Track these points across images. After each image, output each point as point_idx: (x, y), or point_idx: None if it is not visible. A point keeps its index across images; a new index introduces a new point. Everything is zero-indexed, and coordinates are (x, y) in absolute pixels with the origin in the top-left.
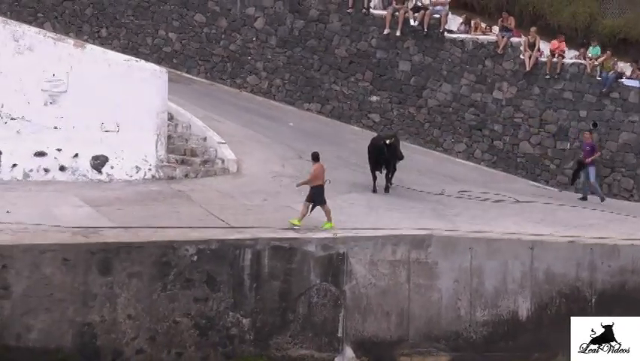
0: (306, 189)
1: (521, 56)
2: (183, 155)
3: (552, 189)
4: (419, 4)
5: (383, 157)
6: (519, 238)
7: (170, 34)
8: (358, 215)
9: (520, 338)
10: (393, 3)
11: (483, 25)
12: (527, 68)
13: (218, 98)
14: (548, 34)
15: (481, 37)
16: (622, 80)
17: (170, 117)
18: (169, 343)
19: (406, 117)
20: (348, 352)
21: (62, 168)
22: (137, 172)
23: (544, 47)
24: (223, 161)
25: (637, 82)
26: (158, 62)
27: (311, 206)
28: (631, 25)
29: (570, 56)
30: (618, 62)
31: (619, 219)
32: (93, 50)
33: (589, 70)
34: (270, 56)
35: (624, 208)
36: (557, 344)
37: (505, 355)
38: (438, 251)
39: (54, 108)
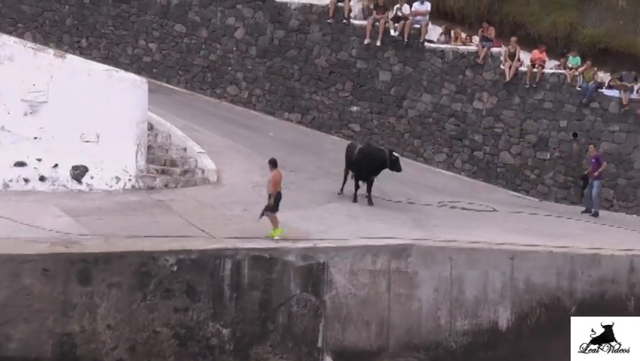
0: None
1: (501, 66)
2: (163, 165)
3: (532, 199)
4: (399, 14)
5: (374, 169)
6: (499, 248)
7: (151, 45)
8: (338, 225)
9: (500, 348)
10: (374, 13)
11: (463, 35)
12: (507, 78)
13: (198, 108)
14: (529, 44)
15: (462, 48)
16: (602, 90)
17: (150, 127)
18: (149, 353)
19: (387, 127)
20: None
21: (42, 178)
22: (117, 182)
23: (525, 56)
24: (203, 171)
25: (617, 92)
26: (138, 72)
27: (265, 212)
28: (611, 35)
29: (550, 66)
30: (598, 72)
31: (598, 229)
32: (73, 60)
33: (569, 80)
34: (250, 66)
35: (605, 218)
36: (537, 354)
37: None
38: (418, 261)
39: (34, 118)
